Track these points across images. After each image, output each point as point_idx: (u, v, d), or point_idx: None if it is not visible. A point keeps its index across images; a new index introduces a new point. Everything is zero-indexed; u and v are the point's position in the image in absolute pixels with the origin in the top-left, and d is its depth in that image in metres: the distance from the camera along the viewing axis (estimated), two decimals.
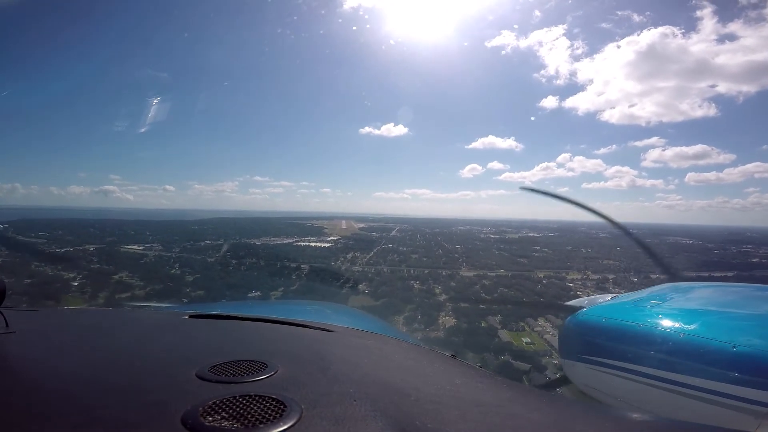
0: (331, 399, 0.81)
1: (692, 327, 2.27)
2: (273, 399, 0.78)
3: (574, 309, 3.19)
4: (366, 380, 0.98)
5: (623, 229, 4.38)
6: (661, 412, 2.15)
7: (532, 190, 5.76)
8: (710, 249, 38.53)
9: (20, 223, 38.87)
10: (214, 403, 0.75)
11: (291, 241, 42.41)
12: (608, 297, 3.35)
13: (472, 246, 42.87)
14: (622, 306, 2.99)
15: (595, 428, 0.90)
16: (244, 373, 0.93)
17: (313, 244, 40.79)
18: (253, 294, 22.34)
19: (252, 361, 1.00)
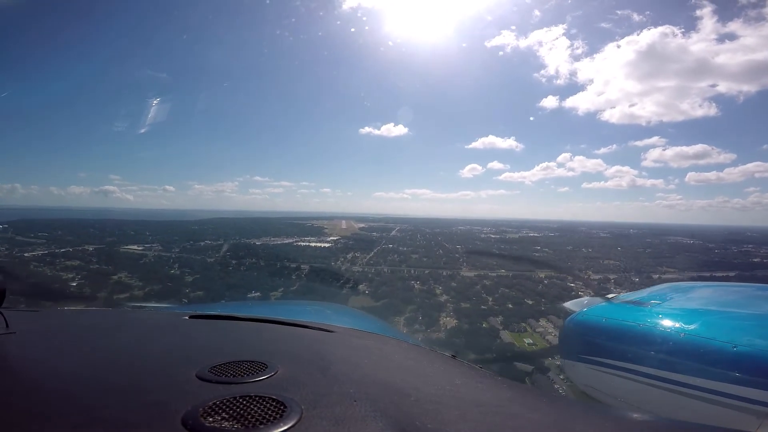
0: (331, 399, 0.81)
1: (692, 327, 2.27)
2: (273, 399, 0.78)
3: (574, 309, 3.19)
4: (366, 380, 0.98)
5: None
6: (661, 412, 2.15)
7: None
8: (711, 249, 38.57)
9: (20, 223, 38.95)
10: (214, 403, 0.75)
11: (291, 241, 42.39)
12: (608, 297, 3.35)
13: (473, 246, 42.90)
14: (622, 306, 2.99)
15: (595, 428, 0.90)
16: (245, 373, 0.93)
17: (313, 244, 40.77)
18: (253, 294, 22.30)
19: (252, 361, 1.00)
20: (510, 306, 25.56)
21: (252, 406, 0.75)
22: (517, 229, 55.37)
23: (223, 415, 0.72)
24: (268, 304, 6.36)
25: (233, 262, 32.27)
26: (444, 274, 32.18)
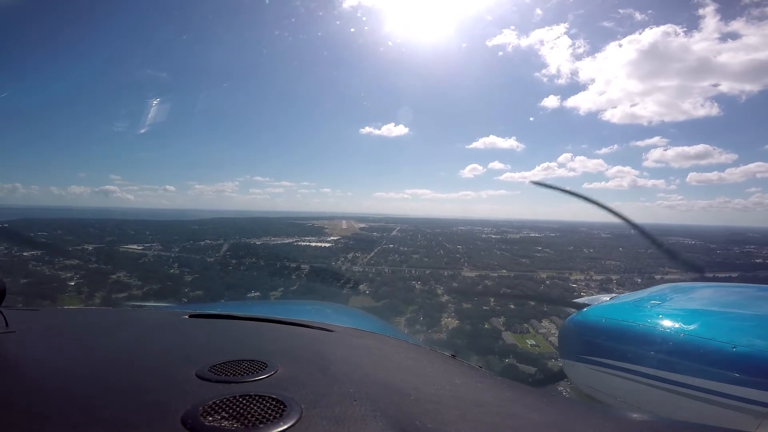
0: (331, 399, 0.81)
1: (692, 327, 2.27)
2: (273, 399, 0.78)
3: (574, 309, 3.19)
4: (366, 380, 0.98)
5: (639, 228, 4.01)
6: (661, 412, 2.15)
7: (542, 184, 5.54)
8: (712, 249, 38.48)
9: (20, 223, 38.89)
10: (214, 402, 0.75)
11: (291, 241, 42.45)
12: (608, 297, 3.35)
13: (474, 246, 42.88)
14: (622, 306, 3.00)
15: (595, 428, 0.90)
16: (244, 372, 0.93)
17: (313, 244, 40.83)
18: (253, 294, 22.24)
19: (252, 360, 1.00)
20: (512, 306, 25.43)
21: (252, 406, 0.75)
22: (517, 229, 55.41)
23: (223, 414, 0.72)
24: (268, 303, 6.37)
25: (233, 261, 32.26)
26: (445, 274, 32.18)
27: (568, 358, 3.03)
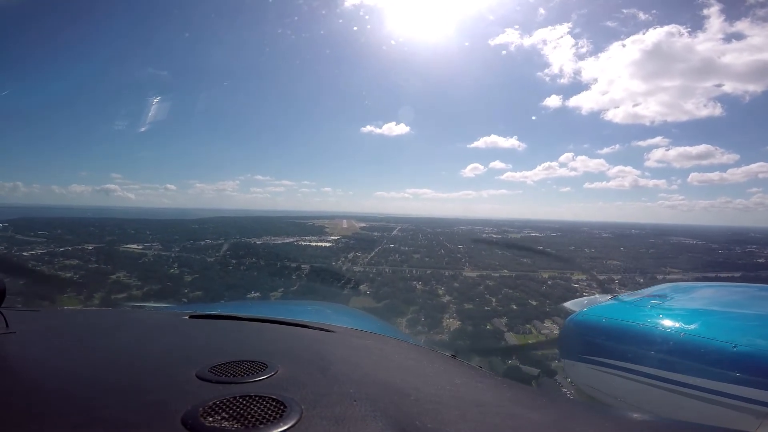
0: (331, 399, 0.81)
1: (692, 327, 2.27)
2: (273, 399, 0.78)
3: (574, 309, 3.19)
4: (366, 380, 0.98)
5: None
6: (661, 412, 2.15)
7: None
8: (714, 249, 38.48)
9: (21, 222, 39.01)
10: (214, 403, 0.75)
11: (292, 240, 42.39)
12: (608, 297, 3.35)
13: (475, 246, 42.82)
14: (622, 306, 2.99)
15: (595, 428, 0.90)
16: (244, 373, 0.93)
17: (313, 244, 40.77)
18: (253, 294, 22.23)
19: (252, 361, 1.00)
20: (514, 307, 25.33)
21: (252, 406, 0.75)
22: (518, 229, 55.37)
23: (223, 414, 0.72)
24: (268, 303, 6.38)
25: (233, 261, 32.20)
26: (446, 274, 32.12)
27: (569, 358, 3.03)
